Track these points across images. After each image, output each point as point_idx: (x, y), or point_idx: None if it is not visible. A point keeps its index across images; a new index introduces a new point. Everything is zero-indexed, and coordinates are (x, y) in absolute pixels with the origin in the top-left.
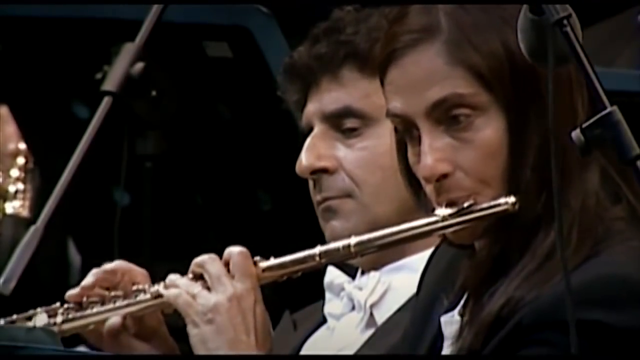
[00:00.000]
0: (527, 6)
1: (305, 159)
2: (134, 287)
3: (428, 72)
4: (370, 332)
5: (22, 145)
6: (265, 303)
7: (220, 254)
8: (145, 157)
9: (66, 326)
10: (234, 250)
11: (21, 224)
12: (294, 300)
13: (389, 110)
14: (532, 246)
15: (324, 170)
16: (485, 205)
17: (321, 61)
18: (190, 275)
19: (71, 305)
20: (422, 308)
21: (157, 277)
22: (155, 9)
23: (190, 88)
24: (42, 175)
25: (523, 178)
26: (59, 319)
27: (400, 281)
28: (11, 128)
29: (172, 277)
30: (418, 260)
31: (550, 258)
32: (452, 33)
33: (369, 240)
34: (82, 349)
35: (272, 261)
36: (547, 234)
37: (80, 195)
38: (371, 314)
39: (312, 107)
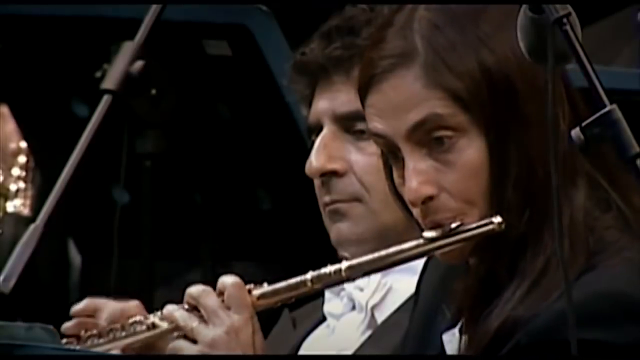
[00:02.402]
0: (526, 5)
1: (315, 160)
2: (131, 320)
3: (407, 96)
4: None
5: (23, 144)
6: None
7: (220, 253)
8: (144, 156)
9: None
10: (228, 281)
11: (22, 222)
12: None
13: (370, 130)
14: (521, 265)
15: (334, 173)
16: (471, 225)
17: (335, 62)
18: (186, 306)
19: (69, 340)
20: (423, 318)
21: (157, 275)
22: (154, 7)
23: (190, 87)
24: (41, 173)
25: (506, 197)
26: None
27: (401, 283)
28: (11, 126)
29: (169, 309)
30: (419, 262)
31: (544, 275)
32: (428, 56)
33: (359, 265)
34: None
35: (266, 288)
36: (535, 252)
37: (80, 194)
38: (372, 316)
39: (322, 105)
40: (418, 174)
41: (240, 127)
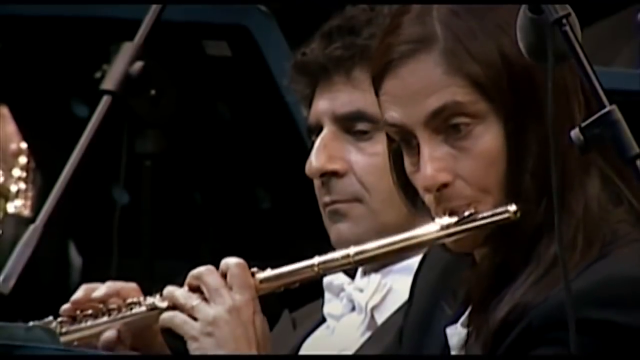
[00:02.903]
0: (526, 5)
1: (315, 161)
2: (129, 301)
3: (426, 81)
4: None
5: (24, 145)
6: (264, 302)
7: (219, 253)
8: (144, 156)
9: (60, 339)
10: (231, 262)
11: (23, 223)
12: (292, 299)
13: (387, 121)
14: (535, 253)
15: (334, 173)
16: (486, 213)
17: (336, 62)
18: (187, 288)
19: (65, 319)
20: (420, 316)
21: (157, 275)
22: (154, 8)
23: (190, 87)
24: (41, 174)
25: (523, 185)
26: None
27: (401, 283)
28: (12, 128)
29: (169, 289)
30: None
31: (556, 264)
32: (448, 42)
33: (369, 250)
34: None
35: (270, 272)
36: (550, 241)
37: (80, 194)
38: (372, 317)
39: (322, 105)
40: (434, 161)
41: (240, 127)
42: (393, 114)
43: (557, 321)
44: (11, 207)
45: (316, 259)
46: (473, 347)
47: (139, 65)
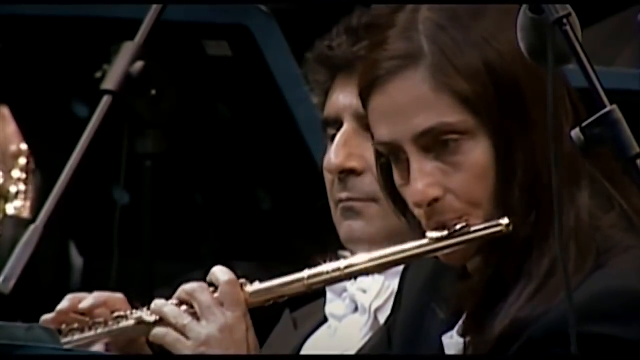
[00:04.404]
0: (526, 5)
1: (335, 157)
2: (116, 314)
3: (414, 98)
4: None
5: (24, 146)
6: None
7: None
8: (145, 156)
9: None
10: (221, 277)
11: (22, 224)
12: (294, 299)
13: (376, 139)
14: (527, 267)
15: (352, 171)
16: (478, 227)
17: (363, 60)
18: (176, 301)
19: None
20: (410, 317)
21: (157, 276)
22: (155, 7)
23: (190, 87)
24: (41, 174)
25: (512, 198)
26: None
27: None
28: (12, 128)
29: (158, 303)
30: None
31: (550, 277)
32: (435, 57)
33: (359, 264)
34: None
35: (259, 285)
36: (541, 254)
37: (80, 194)
38: (375, 318)
39: (344, 100)
40: (424, 176)
41: (240, 128)
42: (383, 132)
43: (558, 336)
44: (11, 209)
45: (306, 273)
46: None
47: (139, 65)
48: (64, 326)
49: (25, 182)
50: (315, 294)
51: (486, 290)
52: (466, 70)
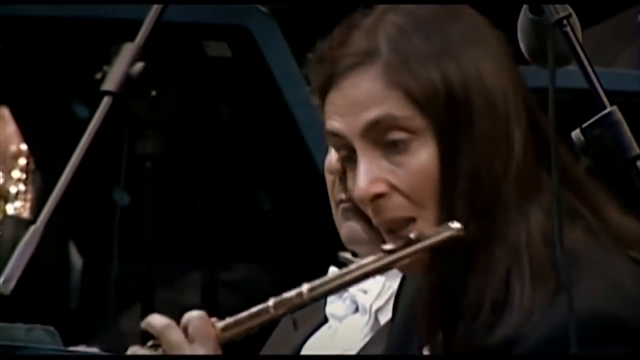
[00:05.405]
0: (526, 6)
1: (336, 158)
2: None
3: (366, 94)
4: None
5: (24, 147)
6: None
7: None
8: (145, 157)
9: None
10: (193, 314)
11: (22, 225)
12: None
13: (328, 130)
14: (471, 278)
15: None
16: (431, 234)
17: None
18: (150, 343)
19: None
20: (399, 333)
21: (157, 278)
22: (155, 8)
23: (190, 88)
24: (41, 175)
25: (452, 205)
26: None
27: None
28: (12, 129)
29: (133, 350)
30: None
31: (499, 301)
32: (391, 57)
33: (320, 286)
34: (82, 348)
35: (228, 320)
36: (487, 267)
37: (80, 195)
38: (376, 319)
39: None
40: (369, 173)
41: (240, 129)
42: (334, 123)
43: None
44: (11, 209)
45: (271, 301)
46: None
47: (139, 66)
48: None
49: (25, 182)
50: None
51: (435, 300)
52: (420, 74)
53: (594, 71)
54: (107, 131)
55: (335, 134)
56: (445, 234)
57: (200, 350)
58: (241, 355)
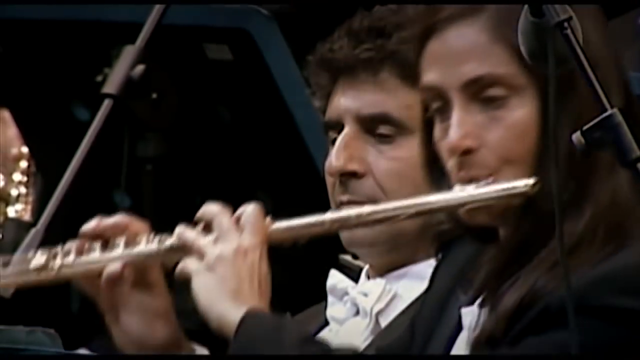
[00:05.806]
0: (527, 8)
1: (336, 160)
2: (138, 238)
3: (470, 45)
4: None
5: (25, 149)
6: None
7: None
8: (145, 160)
9: (64, 271)
10: (248, 206)
11: (23, 227)
12: (295, 302)
13: (423, 83)
14: (554, 237)
15: (353, 173)
16: (502, 185)
17: (364, 63)
18: (200, 227)
19: (71, 249)
20: (437, 302)
21: None
22: (155, 11)
23: (191, 90)
24: (42, 177)
25: (550, 164)
26: (57, 262)
27: (406, 288)
28: (13, 132)
29: (181, 229)
30: (424, 268)
31: (575, 249)
32: (498, 11)
33: (383, 211)
34: (83, 351)
35: (282, 223)
36: (572, 225)
37: (81, 198)
38: (377, 321)
39: (345, 103)
40: (463, 125)
41: (241, 131)
42: (431, 76)
43: (576, 306)
44: (12, 212)
45: (328, 215)
46: (487, 325)
47: (140, 68)
48: (85, 245)
49: (26, 185)
50: (317, 298)
51: (512, 255)
52: None
53: (594, 73)
54: (107, 134)
55: (431, 88)
56: (516, 189)
57: (247, 238)
58: (241, 355)
